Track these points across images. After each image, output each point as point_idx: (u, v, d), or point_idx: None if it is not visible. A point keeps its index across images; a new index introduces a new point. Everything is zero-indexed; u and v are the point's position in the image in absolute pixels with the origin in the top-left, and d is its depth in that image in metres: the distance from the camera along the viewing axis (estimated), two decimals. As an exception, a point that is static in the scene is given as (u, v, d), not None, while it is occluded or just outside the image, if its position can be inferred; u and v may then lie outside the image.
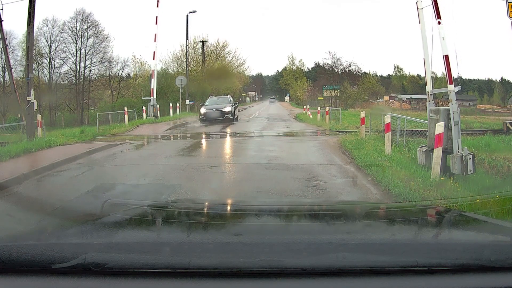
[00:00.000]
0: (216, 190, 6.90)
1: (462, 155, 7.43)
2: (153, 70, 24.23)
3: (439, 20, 7.77)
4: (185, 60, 32.10)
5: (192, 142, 13.88)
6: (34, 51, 19.34)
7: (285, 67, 54.28)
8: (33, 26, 14.03)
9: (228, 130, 18.22)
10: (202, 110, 21.43)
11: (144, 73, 33.23)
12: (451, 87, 7.80)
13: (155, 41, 23.05)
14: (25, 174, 7.88)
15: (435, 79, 27.17)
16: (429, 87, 8.43)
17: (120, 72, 35.34)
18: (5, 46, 15.09)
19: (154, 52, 23.34)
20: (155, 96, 23.28)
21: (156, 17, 22.90)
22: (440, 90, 9.01)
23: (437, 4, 7.87)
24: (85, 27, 33.71)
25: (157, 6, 22.92)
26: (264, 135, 16.12)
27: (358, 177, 7.71)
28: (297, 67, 53.16)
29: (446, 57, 7.79)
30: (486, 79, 57.27)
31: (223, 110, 21.03)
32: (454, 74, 7.93)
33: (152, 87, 23.40)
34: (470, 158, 7.42)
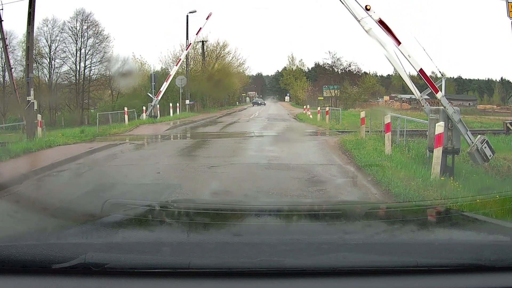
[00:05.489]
0: (216, 190, 6.89)
1: (477, 147, 7.48)
2: (169, 75, 24.53)
3: (397, 43, 7.71)
4: (185, 60, 32.08)
5: (192, 142, 13.86)
6: (34, 51, 19.29)
7: (285, 67, 54.04)
8: (33, 26, 14.03)
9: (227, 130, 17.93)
10: None
11: (144, 73, 33.17)
12: (439, 95, 7.84)
13: (186, 49, 24.38)
14: (25, 174, 7.87)
15: (435, 79, 27.05)
16: (416, 95, 8.50)
17: (121, 70, 35.25)
18: (5, 46, 15.07)
19: (179, 59, 23.90)
20: (159, 97, 23.43)
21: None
22: (429, 91, 9.06)
23: (389, 29, 7.73)
24: (85, 27, 33.49)
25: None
26: (264, 135, 16.11)
27: (358, 177, 7.71)
28: (297, 67, 53.01)
29: (421, 71, 7.80)
30: (486, 79, 57.11)
31: None
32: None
33: (161, 89, 23.62)
34: (485, 147, 7.49)
